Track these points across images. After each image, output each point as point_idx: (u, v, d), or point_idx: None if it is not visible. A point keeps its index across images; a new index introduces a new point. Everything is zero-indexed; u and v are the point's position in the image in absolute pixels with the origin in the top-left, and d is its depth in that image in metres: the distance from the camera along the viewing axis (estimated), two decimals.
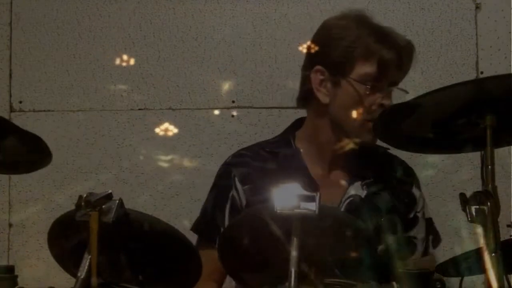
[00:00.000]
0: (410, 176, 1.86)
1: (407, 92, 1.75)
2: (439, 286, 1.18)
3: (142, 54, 2.40)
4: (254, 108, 2.35)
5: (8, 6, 2.43)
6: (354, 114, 1.71)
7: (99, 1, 2.42)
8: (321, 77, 1.75)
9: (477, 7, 2.35)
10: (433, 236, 1.86)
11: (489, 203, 1.17)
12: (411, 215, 1.81)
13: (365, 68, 1.70)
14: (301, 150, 1.79)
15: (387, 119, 1.37)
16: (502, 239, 1.19)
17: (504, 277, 1.17)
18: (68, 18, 2.42)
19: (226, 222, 1.74)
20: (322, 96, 1.75)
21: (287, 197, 1.15)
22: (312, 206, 1.14)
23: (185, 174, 2.35)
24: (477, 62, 2.34)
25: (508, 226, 1.45)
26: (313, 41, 1.82)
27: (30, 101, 2.41)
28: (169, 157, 2.35)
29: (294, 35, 2.37)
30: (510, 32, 2.31)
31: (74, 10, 2.42)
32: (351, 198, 1.75)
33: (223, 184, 1.80)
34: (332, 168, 1.79)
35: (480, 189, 1.21)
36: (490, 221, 1.16)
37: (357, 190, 1.76)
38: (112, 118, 2.38)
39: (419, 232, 1.81)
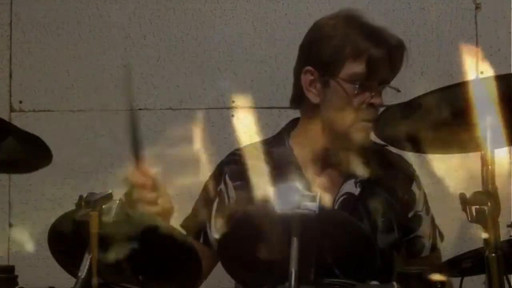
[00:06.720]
0: (409, 173, 1.84)
1: (399, 91, 1.73)
2: (439, 286, 1.18)
3: (142, 54, 2.40)
4: (254, 108, 2.35)
5: (8, 6, 2.43)
6: (344, 114, 1.70)
7: (99, 1, 2.42)
8: (311, 77, 1.75)
9: (477, 7, 2.35)
10: (438, 231, 1.88)
11: (489, 203, 1.17)
12: (411, 214, 1.81)
13: (353, 68, 1.69)
14: (294, 149, 1.79)
15: (387, 119, 1.37)
16: (502, 239, 1.19)
17: (504, 277, 1.17)
18: (68, 18, 2.42)
19: (213, 218, 1.78)
20: (312, 96, 1.75)
21: (287, 197, 1.15)
22: (312, 206, 1.14)
23: (185, 174, 2.34)
24: (477, 62, 2.34)
25: (508, 226, 1.45)
26: (303, 42, 1.82)
27: (30, 101, 2.41)
28: (168, 157, 2.35)
29: (294, 35, 2.36)
30: (510, 32, 2.31)
31: (74, 10, 2.42)
32: (344, 196, 1.74)
33: (213, 181, 1.83)
34: (326, 167, 1.78)
35: (480, 189, 1.21)
36: (490, 221, 1.16)
37: (350, 188, 1.75)
38: (112, 118, 2.38)
39: (425, 230, 1.82)
